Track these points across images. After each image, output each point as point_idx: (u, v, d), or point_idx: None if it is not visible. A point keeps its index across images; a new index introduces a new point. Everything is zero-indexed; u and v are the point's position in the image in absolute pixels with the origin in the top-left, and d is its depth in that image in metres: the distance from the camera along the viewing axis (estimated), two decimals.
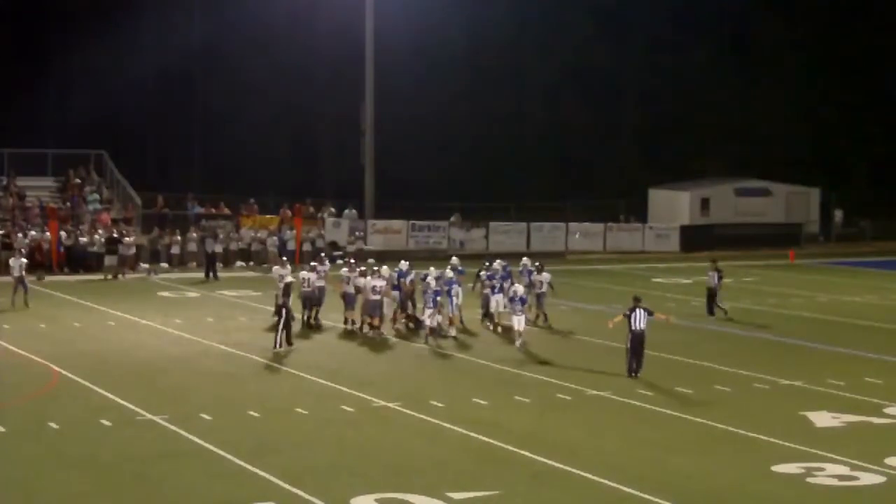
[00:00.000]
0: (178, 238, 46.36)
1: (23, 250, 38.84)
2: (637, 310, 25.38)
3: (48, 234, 44.52)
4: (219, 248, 44.97)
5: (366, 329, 30.68)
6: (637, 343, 25.39)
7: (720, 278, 35.28)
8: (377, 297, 30.18)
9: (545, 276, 32.87)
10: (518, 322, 29.13)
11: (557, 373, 25.89)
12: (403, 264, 32.57)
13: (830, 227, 62.82)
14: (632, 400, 23.28)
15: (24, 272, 34.92)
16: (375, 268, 31.64)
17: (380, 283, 30.30)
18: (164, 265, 45.21)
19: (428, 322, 29.74)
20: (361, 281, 30.92)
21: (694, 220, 60.04)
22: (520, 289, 29.79)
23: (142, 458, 18.71)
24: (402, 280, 31.84)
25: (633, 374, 25.30)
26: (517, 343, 28.88)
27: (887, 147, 70.20)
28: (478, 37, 71.44)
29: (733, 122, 73.03)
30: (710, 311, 34.99)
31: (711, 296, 35.24)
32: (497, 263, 33.23)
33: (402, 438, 20.31)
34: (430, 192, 60.34)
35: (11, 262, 35.61)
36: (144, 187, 55.61)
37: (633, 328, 25.37)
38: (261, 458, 18.68)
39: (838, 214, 63.60)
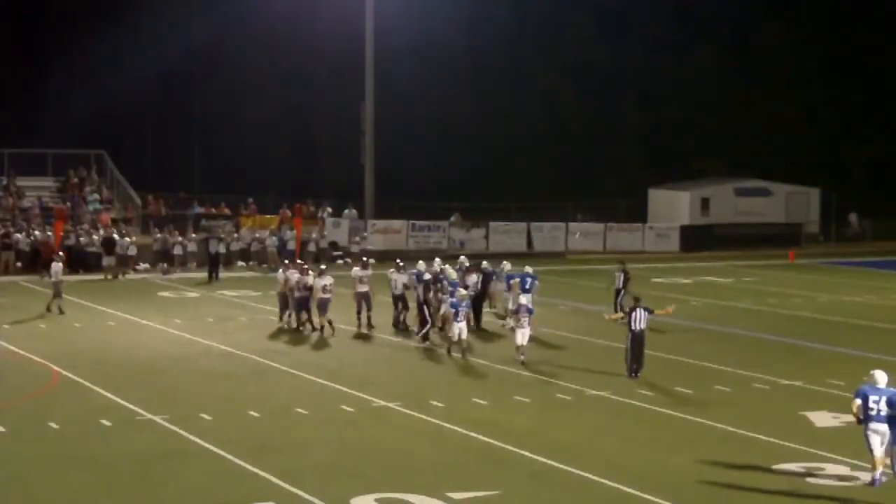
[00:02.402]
0: (180, 238, 46.37)
1: (60, 253, 37.99)
2: (637, 309, 25.29)
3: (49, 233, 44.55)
4: (222, 249, 45.01)
5: (318, 326, 30.88)
6: (637, 344, 25.30)
7: (626, 280, 33.83)
8: (328, 295, 30.52)
9: (473, 277, 32.05)
10: (521, 336, 26.88)
11: (557, 373, 25.87)
12: (422, 265, 31.86)
13: (831, 229, 62.78)
14: (632, 400, 23.28)
15: (62, 277, 34.15)
16: (322, 267, 32.16)
17: (328, 282, 30.64)
18: (164, 265, 45.21)
19: (456, 334, 27.63)
20: (317, 281, 30.93)
21: (694, 220, 60.10)
22: (524, 299, 27.85)
23: (142, 458, 18.71)
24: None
25: (634, 375, 25.26)
26: (519, 357, 26.77)
27: (887, 147, 70.22)
28: (478, 37, 71.45)
29: (733, 122, 73.06)
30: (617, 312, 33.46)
31: (617, 297, 33.55)
32: (506, 264, 33.40)
33: (402, 438, 20.30)
34: (430, 192, 60.38)
35: (54, 266, 34.41)
36: (144, 187, 55.65)
37: (633, 328, 25.24)
38: (261, 458, 18.67)
39: (854, 217, 63.41)
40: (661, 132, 72.14)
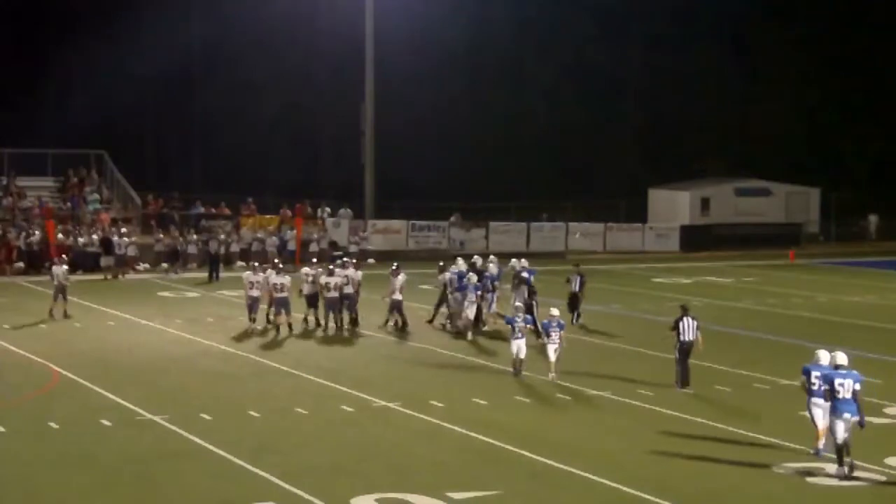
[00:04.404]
0: (180, 238, 46.32)
1: (63, 256, 37.63)
2: (685, 318, 24.26)
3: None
4: (222, 250, 44.95)
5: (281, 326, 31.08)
6: (684, 355, 24.27)
7: (583, 283, 32.80)
8: (283, 294, 30.74)
9: (401, 278, 31.34)
10: (553, 352, 25.06)
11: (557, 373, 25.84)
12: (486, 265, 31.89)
13: (831, 229, 62.76)
14: (632, 400, 23.28)
15: (67, 280, 33.61)
16: (280, 265, 32.60)
17: (281, 281, 30.85)
18: (164, 265, 45.18)
19: (514, 351, 25.53)
20: (274, 279, 31.09)
21: (694, 220, 60.13)
22: (554, 311, 25.76)
23: (142, 458, 18.71)
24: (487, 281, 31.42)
25: (680, 386, 24.21)
26: (550, 376, 24.96)
27: (887, 147, 70.24)
28: (478, 37, 71.47)
29: (733, 122, 73.10)
30: (576, 319, 32.49)
31: (573, 301, 32.65)
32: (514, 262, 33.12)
33: (402, 438, 20.30)
34: (430, 192, 60.36)
35: (54, 269, 33.80)
36: (144, 187, 55.62)
37: (681, 338, 24.20)
38: (261, 458, 18.68)
39: (873, 220, 63.28)
40: (661, 132, 72.15)
